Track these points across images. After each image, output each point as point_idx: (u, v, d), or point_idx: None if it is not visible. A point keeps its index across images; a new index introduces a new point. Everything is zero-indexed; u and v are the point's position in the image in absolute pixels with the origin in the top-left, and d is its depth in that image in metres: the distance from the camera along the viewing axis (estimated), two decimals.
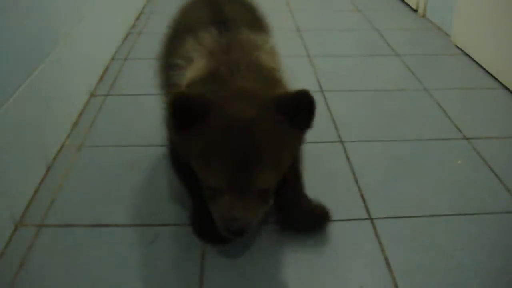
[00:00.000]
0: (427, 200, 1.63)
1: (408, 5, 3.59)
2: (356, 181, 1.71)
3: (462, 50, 2.79)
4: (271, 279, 1.33)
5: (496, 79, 2.44)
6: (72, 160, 1.82)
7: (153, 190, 1.66)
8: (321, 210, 1.48)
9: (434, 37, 3.04)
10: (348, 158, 1.83)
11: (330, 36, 3.07)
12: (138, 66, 2.58)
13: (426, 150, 1.90)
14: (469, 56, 2.70)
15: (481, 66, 2.57)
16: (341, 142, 1.91)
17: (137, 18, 3.33)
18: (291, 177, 1.40)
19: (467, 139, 1.96)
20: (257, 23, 1.54)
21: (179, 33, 1.45)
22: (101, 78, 2.44)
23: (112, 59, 2.67)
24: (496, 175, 1.74)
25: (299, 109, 1.15)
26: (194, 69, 1.26)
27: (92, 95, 2.28)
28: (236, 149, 1.11)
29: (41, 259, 1.39)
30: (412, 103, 2.25)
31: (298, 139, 1.23)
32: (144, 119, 2.02)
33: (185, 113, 1.12)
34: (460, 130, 2.02)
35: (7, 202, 1.46)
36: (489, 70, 2.50)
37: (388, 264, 1.38)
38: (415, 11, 3.49)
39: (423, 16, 3.38)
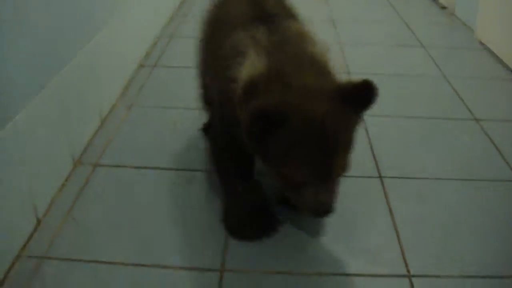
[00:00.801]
0: (434, 166, 1.84)
1: (438, 2, 3.77)
2: (371, 146, 1.93)
3: (485, 45, 2.97)
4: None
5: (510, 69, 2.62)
6: (123, 117, 2.08)
7: (191, 142, 1.91)
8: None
9: (459, 33, 3.22)
10: (366, 129, 2.05)
11: (361, 27, 3.28)
12: (182, 44, 2.84)
13: (437, 127, 2.10)
14: (491, 51, 2.88)
15: (501, 61, 2.75)
16: None
17: (183, 2, 3.59)
18: None
19: (476, 120, 2.16)
20: (293, 13, 1.58)
21: (223, 26, 1.51)
22: (149, 52, 2.70)
23: (160, 36, 2.92)
24: (499, 151, 1.93)
25: (364, 98, 1.24)
26: (251, 65, 1.29)
27: (141, 65, 2.54)
28: (317, 146, 1.20)
29: (95, 193, 1.65)
30: (430, 87, 2.45)
31: (359, 121, 1.31)
32: (185, 87, 2.26)
33: (266, 126, 1.19)
34: (471, 112, 2.21)
35: (68, 145, 1.72)
36: (509, 64, 2.68)
37: (391, 214, 1.60)
38: (445, 8, 3.66)
39: (452, 14, 3.55)
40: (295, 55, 1.31)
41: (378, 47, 2.94)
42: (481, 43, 3.02)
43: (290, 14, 1.53)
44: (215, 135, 1.52)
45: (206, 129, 1.89)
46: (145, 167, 1.77)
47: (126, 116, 2.09)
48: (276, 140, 1.20)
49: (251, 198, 1.48)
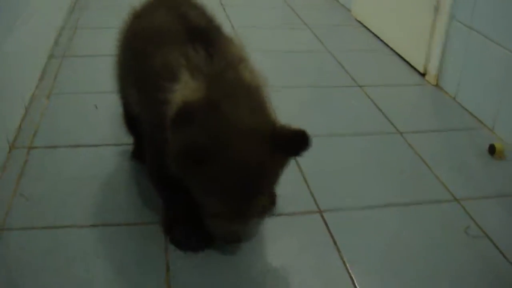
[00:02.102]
0: (327, 125, 2.16)
1: None
2: None
3: (360, 23, 3.37)
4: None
5: (383, 41, 3.03)
6: (44, 104, 2.22)
7: (114, 119, 2.08)
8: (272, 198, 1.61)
9: (338, 13, 3.60)
10: None
11: (252, 12, 3.57)
12: (87, 34, 2.98)
13: (328, 94, 2.43)
14: (366, 27, 3.28)
15: (374, 35, 3.15)
16: None
17: None
18: None
19: (360, 86, 2.52)
20: (219, 26, 1.54)
21: (150, 40, 1.46)
22: (57, 42, 2.81)
23: (63, 28, 3.03)
24: (380, 110, 2.30)
25: (296, 146, 1.27)
26: (185, 88, 1.27)
27: (51, 56, 2.66)
28: (237, 187, 1.24)
29: (36, 172, 1.80)
30: (317, 61, 2.79)
31: (286, 164, 1.34)
32: (98, 74, 2.40)
33: (191, 162, 1.21)
34: (355, 80, 2.57)
35: (3, 130, 1.85)
36: (380, 37, 3.08)
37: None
38: None
39: None
40: (233, 85, 1.30)
41: (269, 30, 3.24)
42: (357, 21, 3.41)
43: (217, 28, 1.51)
44: (149, 156, 1.49)
45: (136, 155, 1.84)
46: (77, 146, 1.94)
47: (47, 103, 2.23)
48: (200, 173, 1.23)
49: (186, 214, 1.48)
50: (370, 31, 3.21)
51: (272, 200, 1.62)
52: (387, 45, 3.00)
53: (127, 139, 1.90)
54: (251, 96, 1.31)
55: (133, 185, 1.75)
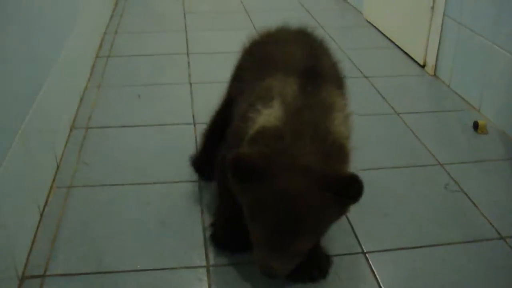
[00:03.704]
0: None
1: None
2: None
3: (370, 23, 3.73)
4: None
5: (389, 39, 3.39)
6: (96, 94, 2.63)
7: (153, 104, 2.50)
8: (324, 261, 1.54)
9: (350, 15, 3.97)
10: None
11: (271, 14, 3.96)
12: (126, 38, 3.40)
13: None
14: (376, 27, 3.64)
15: (383, 34, 3.51)
16: None
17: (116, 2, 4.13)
18: None
19: (366, 77, 2.88)
20: (340, 81, 1.59)
21: (268, 65, 1.52)
22: (101, 45, 3.24)
23: (106, 32, 3.46)
24: (385, 99, 2.66)
25: (347, 192, 1.25)
26: (266, 116, 1.32)
27: (97, 56, 3.09)
28: (278, 218, 1.23)
29: (94, 146, 2.21)
30: None
31: (340, 213, 1.33)
32: (139, 72, 2.81)
33: (242, 172, 1.25)
34: (361, 72, 2.94)
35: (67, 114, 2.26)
36: (388, 36, 3.45)
37: None
38: None
39: (344, 0, 4.30)
40: (306, 123, 1.32)
41: None
42: (368, 22, 3.78)
43: (337, 81, 1.55)
44: (221, 158, 1.46)
45: (196, 164, 1.95)
46: (124, 126, 2.35)
47: (98, 93, 2.64)
48: (250, 192, 1.26)
49: (233, 217, 1.51)
50: (379, 31, 3.57)
51: (323, 258, 1.54)
52: (393, 42, 3.36)
53: (169, 120, 2.30)
54: (324, 143, 1.31)
55: (170, 155, 2.14)
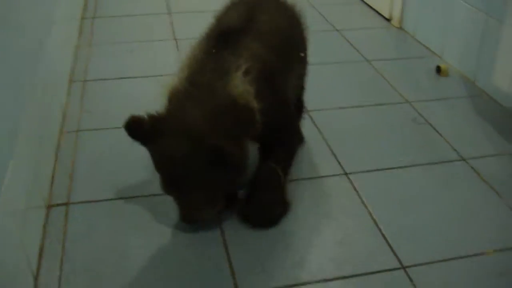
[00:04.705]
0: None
1: None
2: None
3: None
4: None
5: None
6: (89, 52, 2.81)
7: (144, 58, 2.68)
8: (280, 208, 1.62)
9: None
10: None
11: None
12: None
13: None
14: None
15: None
16: None
17: None
18: (273, 158, 1.62)
19: (338, 30, 3.12)
20: (275, 38, 1.64)
21: (213, 28, 1.65)
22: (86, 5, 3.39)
23: None
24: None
25: (216, 161, 1.37)
26: (176, 79, 1.49)
27: (83, 18, 3.24)
28: (165, 177, 1.45)
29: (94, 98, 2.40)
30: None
31: (225, 177, 1.44)
32: (126, 29, 2.97)
33: (132, 134, 1.45)
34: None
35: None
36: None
37: None
38: None
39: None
40: (203, 88, 1.44)
41: None
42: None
43: (265, 39, 1.60)
44: None
45: None
46: (121, 78, 2.54)
47: (90, 50, 2.82)
48: (147, 149, 1.47)
49: None
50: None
51: (280, 206, 1.64)
52: None
53: (161, 71, 2.50)
54: (213, 104, 1.41)
55: None
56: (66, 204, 1.74)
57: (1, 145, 1.36)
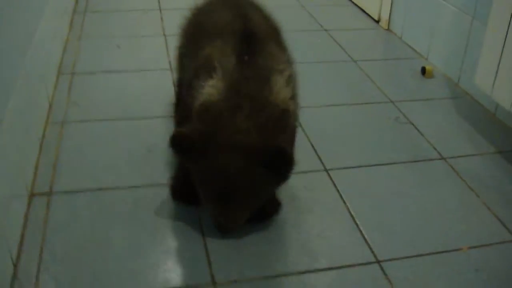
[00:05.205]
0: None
1: None
2: None
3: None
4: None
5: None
6: (77, 46, 2.82)
7: (132, 54, 2.71)
8: (273, 205, 1.64)
9: None
10: None
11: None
12: None
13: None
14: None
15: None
16: None
17: None
18: None
19: (326, 30, 3.15)
20: (275, 33, 1.65)
21: (203, 32, 1.60)
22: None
23: None
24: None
25: (274, 165, 1.35)
26: (209, 88, 1.40)
27: (75, 11, 3.26)
28: (216, 193, 1.40)
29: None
30: (290, 13, 3.40)
31: (275, 183, 1.45)
32: (118, 25, 2.99)
33: (181, 150, 1.39)
34: (321, 25, 3.20)
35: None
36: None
37: None
38: None
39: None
40: (245, 95, 1.38)
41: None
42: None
43: (272, 35, 1.61)
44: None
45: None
46: (109, 71, 2.56)
47: (79, 44, 2.83)
48: (194, 165, 1.42)
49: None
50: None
51: (273, 205, 1.65)
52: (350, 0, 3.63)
53: (148, 66, 2.52)
54: (261, 115, 1.38)
55: (152, 95, 2.36)
56: (48, 193, 1.75)
57: None
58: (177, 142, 1.37)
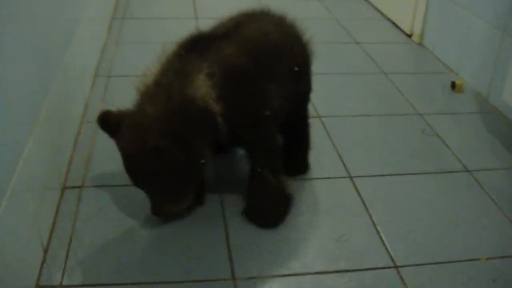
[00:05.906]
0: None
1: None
2: None
3: (383, 14, 4.02)
4: None
5: (380, 11, 3.68)
6: (114, 50, 2.92)
7: None
8: (282, 204, 1.70)
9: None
10: None
11: None
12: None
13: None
14: (367, 1, 3.93)
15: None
16: None
17: None
18: (261, 171, 1.63)
19: (358, 43, 3.18)
20: (260, 48, 1.60)
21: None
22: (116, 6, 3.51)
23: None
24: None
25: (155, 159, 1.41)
26: (150, 75, 1.53)
27: (113, 18, 3.37)
28: (127, 172, 1.50)
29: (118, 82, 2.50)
30: (324, 27, 3.45)
31: (184, 171, 1.47)
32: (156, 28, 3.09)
33: (102, 127, 1.51)
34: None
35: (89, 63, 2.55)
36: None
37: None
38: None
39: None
40: (164, 89, 1.45)
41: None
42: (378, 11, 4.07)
43: (247, 46, 1.57)
44: None
45: None
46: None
47: (116, 49, 2.93)
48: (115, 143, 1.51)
49: None
50: (370, 3, 3.87)
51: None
52: (383, 14, 3.66)
53: None
54: (170, 104, 1.42)
55: None
56: (80, 187, 1.83)
57: (21, 122, 1.45)
58: (99, 120, 1.51)
